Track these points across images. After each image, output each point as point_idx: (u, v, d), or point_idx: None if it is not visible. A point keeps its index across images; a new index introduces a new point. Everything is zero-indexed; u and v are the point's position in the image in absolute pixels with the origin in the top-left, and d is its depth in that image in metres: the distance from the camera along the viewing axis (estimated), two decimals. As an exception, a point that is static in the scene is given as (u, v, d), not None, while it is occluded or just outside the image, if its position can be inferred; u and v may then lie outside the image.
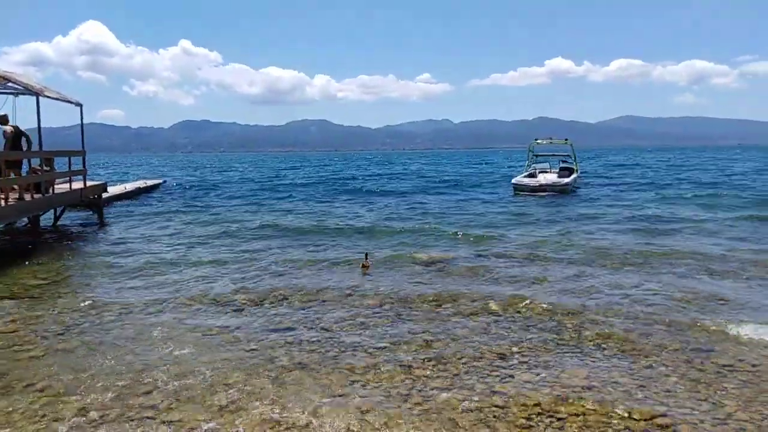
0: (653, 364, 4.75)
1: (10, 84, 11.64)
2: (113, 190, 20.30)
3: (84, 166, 14.27)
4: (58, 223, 14.11)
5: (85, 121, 14.40)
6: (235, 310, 6.52)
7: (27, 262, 9.22)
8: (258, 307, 6.63)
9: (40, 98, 12.02)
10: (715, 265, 8.47)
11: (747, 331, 5.47)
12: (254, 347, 5.28)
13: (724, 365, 4.71)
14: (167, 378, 4.55)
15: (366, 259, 8.74)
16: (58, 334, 5.68)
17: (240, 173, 45.22)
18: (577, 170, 23.94)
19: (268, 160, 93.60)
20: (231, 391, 4.31)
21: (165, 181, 27.13)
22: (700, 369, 4.65)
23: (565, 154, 25.65)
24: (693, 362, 4.78)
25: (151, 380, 4.52)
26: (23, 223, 13.57)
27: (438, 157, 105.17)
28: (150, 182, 25.04)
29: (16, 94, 12.72)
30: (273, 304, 6.74)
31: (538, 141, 25.83)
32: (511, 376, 4.56)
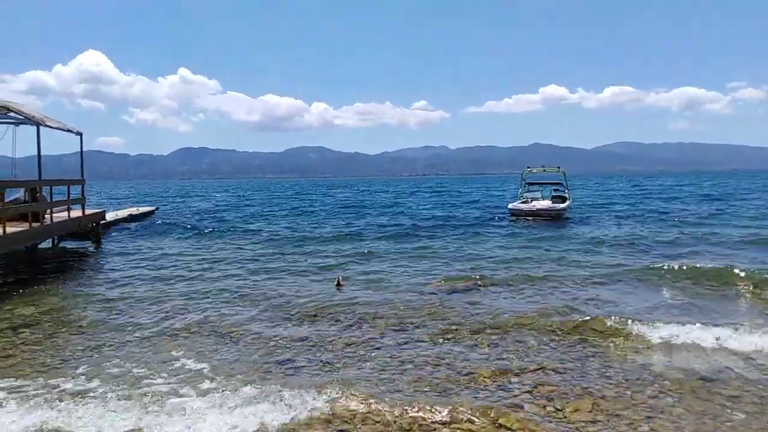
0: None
1: (11, 114, 11.67)
2: (108, 217, 20.20)
3: (83, 195, 14.25)
4: (56, 250, 14.03)
5: (84, 149, 14.43)
6: (231, 341, 6.46)
7: (23, 291, 9.14)
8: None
9: (41, 127, 12.09)
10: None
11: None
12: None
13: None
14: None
15: (340, 280, 9.51)
16: (55, 368, 5.59)
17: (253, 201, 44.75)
18: (569, 198, 23.84)
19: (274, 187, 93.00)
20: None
21: (158, 208, 27.04)
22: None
23: (557, 182, 25.28)
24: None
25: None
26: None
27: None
28: (142, 209, 24.84)
29: (17, 124, 12.75)
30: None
31: (531, 169, 25.35)
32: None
